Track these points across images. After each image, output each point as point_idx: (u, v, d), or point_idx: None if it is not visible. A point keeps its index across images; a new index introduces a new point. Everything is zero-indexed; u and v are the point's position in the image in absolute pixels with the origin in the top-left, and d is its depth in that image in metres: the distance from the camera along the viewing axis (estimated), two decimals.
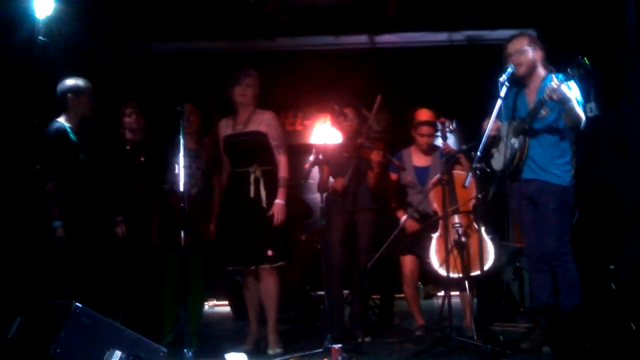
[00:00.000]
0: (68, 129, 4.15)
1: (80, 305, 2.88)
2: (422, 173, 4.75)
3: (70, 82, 4.24)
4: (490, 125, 3.75)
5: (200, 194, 4.41)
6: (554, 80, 3.56)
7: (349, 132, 4.68)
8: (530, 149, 3.83)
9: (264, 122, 4.32)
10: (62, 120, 4.17)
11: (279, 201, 4.21)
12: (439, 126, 4.55)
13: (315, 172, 4.60)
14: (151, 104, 4.69)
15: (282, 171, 4.28)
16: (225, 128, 4.42)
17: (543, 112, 3.78)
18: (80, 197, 4.13)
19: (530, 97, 3.91)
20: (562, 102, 3.61)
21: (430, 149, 4.80)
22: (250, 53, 6.71)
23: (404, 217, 4.65)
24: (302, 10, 6.26)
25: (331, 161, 4.63)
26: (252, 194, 4.23)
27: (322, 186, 4.45)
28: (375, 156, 4.47)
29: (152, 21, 6.19)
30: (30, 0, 4.36)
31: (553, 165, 3.81)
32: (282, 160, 4.31)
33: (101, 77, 5.14)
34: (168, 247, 4.33)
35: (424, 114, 4.76)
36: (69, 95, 4.21)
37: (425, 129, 4.71)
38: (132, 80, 6.11)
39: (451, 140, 6.25)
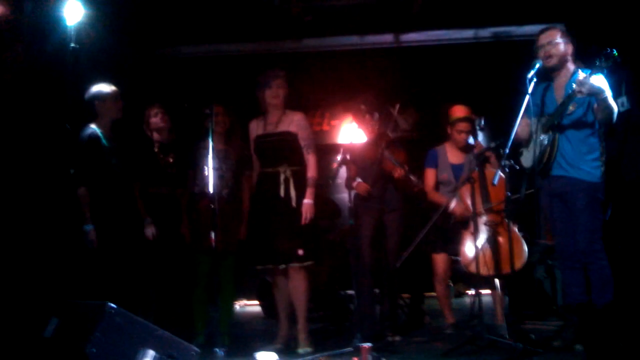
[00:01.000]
0: (100, 134, 4.22)
1: (114, 305, 2.94)
2: (458, 170, 4.70)
3: (94, 89, 4.32)
4: (518, 121, 3.71)
5: (231, 194, 4.45)
6: (582, 75, 3.50)
7: (373, 133, 4.68)
8: (559, 146, 3.78)
9: (294, 123, 4.36)
10: (94, 125, 4.25)
11: (307, 201, 4.24)
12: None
13: (343, 172, 4.61)
14: (180, 107, 4.75)
15: (311, 171, 4.32)
16: (256, 129, 4.45)
17: (571, 107, 3.73)
18: (113, 200, 4.19)
19: (559, 92, 3.86)
20: (594, 95, 3.55)
21: (467, 146, 4.75)
22: (277, 54, 6.76)
23: (453, 203, 4.53)
24: (327, 11, 6.28)
25: (357, 161, 4.64)
26: (282, 194, 4.26)
27: (349, 183, 4.47)
28: (397, 174, 4.46)
29: (179, 25, 6.27)
30: (60, 8, 4.45)
31: (582, 161, 3.76)
32: (311, 160, 4.34)
33: (130, 82, 5.23)
34: (200, 248, 4.38)
35: (461, 111, 4.71)
36: (96, 102, 4.29)
37: (463, 126, 4.66)
38: (160, 84, 6.19)
39: (480, 138, 6.25)
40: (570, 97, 3.65)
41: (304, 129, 4.37)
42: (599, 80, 3.56)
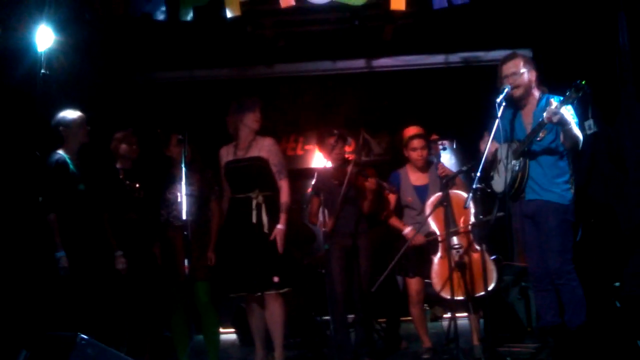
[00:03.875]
0: (68, 160, 4.21)
1: (85, 336, 2.87)
2: (422, 192, 4.71)
3: (60, 115, 4.32)
4: (488, 145, 3.77)
5: (195, 222, 4.28)
6: (553, 104, 3.55)
7: (336, 158, 4.71)
8: (530, 170, 3.85)
9: (264, 148, 4.34)
10: (61, 151, 4.24)
11: (280, 226, 4.22)
12: (431, 144, 4.57)
13: None
14: (152, 133, 4.73)
15: (284, 196, 4.30)
16: (226, 155, 4.44)
17: (541, 134, 3.80)
18: (81, 227, 4.15)
19: (527, 119, 3.93)
20: (562, 125, 3.62)
21: (426, 165, 4.77)
22: (250, 80, 6.76)
23: (408, 229, 4.59)
24: (300, 36, 6.33)
25: (325, 187, 4.65)
26: (254, 220, 4.23)
27: (312, 218, 4.50)
28: (370, 184, 4.47)
29: (152, 51, 6.26)
30: (31, 34, 4.42)
31: (553, 184, 3.83)
32: (283, 185, 4.32)
33: (102, 108, 5.19)
34: (170, 279, 4.31)
35: (412, 129, 4.75)
36: (61, 127, 4.30)
37: (416, 142, 4.67)
38: (131, 110, 6.15)
39: (452, 162, 6.32)
40: (540, 125, 3.69)
41: (274, 154, 4.36)
42: (568, 111, 3.63)
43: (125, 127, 4.70)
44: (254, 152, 4.34)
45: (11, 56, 4.45)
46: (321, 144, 4.79)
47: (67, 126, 4.29)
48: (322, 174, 4.70)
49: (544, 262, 3.82)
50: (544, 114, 3.58)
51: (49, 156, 4.19)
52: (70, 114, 4.32)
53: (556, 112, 3.50)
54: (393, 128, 6.86)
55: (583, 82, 3.47)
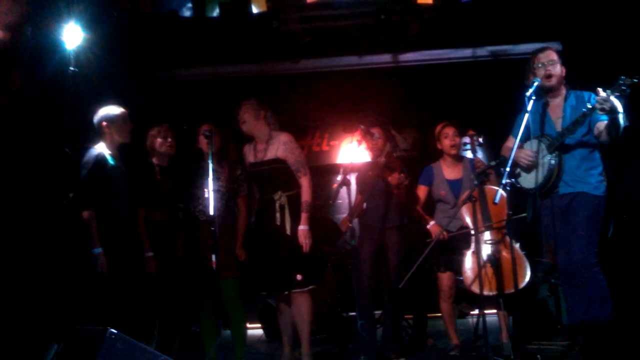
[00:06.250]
0: (107, 156, 4.19)
1: (115, 331, 2.90)
2: (456, 186, 4.69)
3: (102, 110, 4.32)
4: (518, 140, 3.71)
5: (221, 217, 4.30)
6: (602, 93, 3.43)
7: (375, 151, 4.69)
8: (564, 164, 3.79)
9: (281, 147, 4.33)
10: (100, 147, 4.22)
11: (302, 227, 4.21)
12: (468, 139, 4.53)
13: (344, 192, 4.59)
14: (178, 129, 4.75)
15: (305, 195, 4.28)
16: (248, 155, 4.47)
17: (572, 127, 3.73)
18: (119, 223, 4.15)
19: (554, 114, 3.88)
20: (612, 113, 3.50)
21: (459, 157, 4.76)
22: (275, 76, 6.78)
23: (431, 223, 4.60)
24: (325, 32, 6.32)
25: (358, 180, 4.64)
26: (277, 221, 4.25)
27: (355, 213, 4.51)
28: (392, 179, 4.45)
29: (179, 48, 6.30)
30: (60, 32, 4.47)
31: (588, 175, 3.77)
32: (304, 183, 4.30)
33: (129, 104, 5.24)
34: (198, 274, 4.32)
35: (445, 122, 4.80)
36: (103, 123, 4.28)
37: (448, 129, 4.70)
38: (158, 106, 6.20)
39: (480, 155, 6.25)
40: (585, 116, 3.61)
41: (291, 152, 4.33)
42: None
43: (154, 124, 4.72)
44: (271, 153, 4.33)
45: (41, 54, 4.50)
46: (363, 136, 4.74)
47: (111, 121, 4.28)
48: (355, 167, 4.68)
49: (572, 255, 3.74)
50: (596, 104, 3.46)
51: (88, 152, 4.18)
52: (114, 109, 4.32)
53: (607, 100, 3.40)
54: (419, 124, 6.83)
55: (636, 77, 3.37)
